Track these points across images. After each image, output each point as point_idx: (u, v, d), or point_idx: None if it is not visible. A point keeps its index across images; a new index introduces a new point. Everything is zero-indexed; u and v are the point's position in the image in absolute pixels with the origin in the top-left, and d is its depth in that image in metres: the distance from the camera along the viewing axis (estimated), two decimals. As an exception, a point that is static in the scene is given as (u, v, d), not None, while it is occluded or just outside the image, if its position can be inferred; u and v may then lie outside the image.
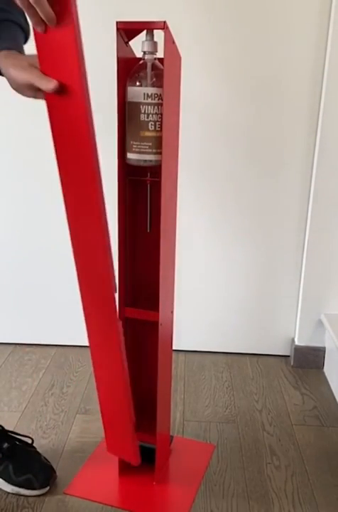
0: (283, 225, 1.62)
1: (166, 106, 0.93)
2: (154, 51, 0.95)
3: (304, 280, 1.62)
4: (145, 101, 0.94)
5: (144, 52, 0.95)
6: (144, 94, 0.94)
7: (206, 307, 1.71)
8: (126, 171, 1.03)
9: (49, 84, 0.83)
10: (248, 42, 1.46)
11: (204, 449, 1.28)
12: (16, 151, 1.60)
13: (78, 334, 1.76)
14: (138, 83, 0.95)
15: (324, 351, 1.66)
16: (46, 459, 1.17)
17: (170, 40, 0.92)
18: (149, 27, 0.93)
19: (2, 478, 1.13)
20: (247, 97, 1.51)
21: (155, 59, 0.96)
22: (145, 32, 0.94)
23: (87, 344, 1.73)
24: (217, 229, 1.63)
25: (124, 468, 1.17)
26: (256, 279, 1.67)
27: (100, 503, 1.10)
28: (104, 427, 1.13)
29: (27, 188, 1.62)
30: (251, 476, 1.20)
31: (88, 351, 1.72)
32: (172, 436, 1.29)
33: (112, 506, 1.09)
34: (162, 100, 0.93)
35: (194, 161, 1.57)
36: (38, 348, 1.75)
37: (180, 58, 1.02)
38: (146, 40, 0.94)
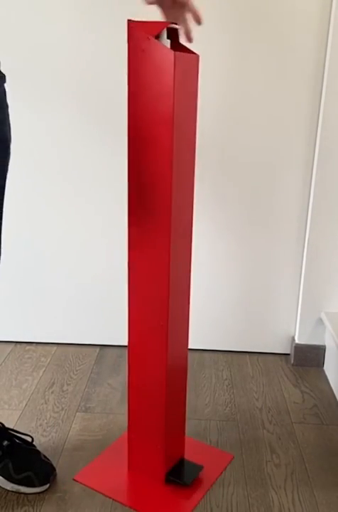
0: (283, 224, 1.61)
1: (177, 106, 0.92)
2: None
3: (305, 278, 1.62)
4: None
5: None
6: None
7: (207, 305, 1.71)
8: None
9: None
10: (248, 42, 1.46)
11: (221, 458, 1.25)
12: (21, 152, 1.60)
13: (78, 332, 1.76)
14: None
15: (324, 349, 1.66)
16: (46, 457, 1.17)
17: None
18: (161, 26, 0.92)
19: (2, 476, 1.13)
20: (248, 97, 1.50)
21: None
22: None
23: (87, 342, 1.75)
24: (217, 227, 1.63)
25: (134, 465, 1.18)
26: (256, 277, 1.67)
27: (106, 496, 1.11)
28: (129, 441, 1.15)
29: (28, 188, 1.62)
30: (250, 474, 1.20)
31: (88, 349, 1.74)
32: None
33: (117, 501, 1.10)
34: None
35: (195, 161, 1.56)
36: (38, 346, 1.75)
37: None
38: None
